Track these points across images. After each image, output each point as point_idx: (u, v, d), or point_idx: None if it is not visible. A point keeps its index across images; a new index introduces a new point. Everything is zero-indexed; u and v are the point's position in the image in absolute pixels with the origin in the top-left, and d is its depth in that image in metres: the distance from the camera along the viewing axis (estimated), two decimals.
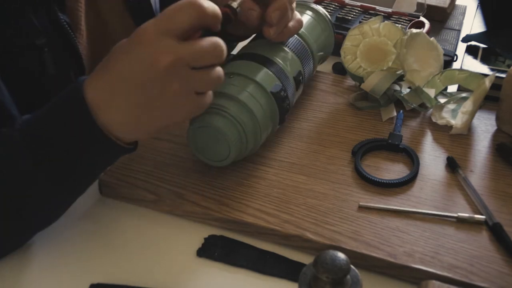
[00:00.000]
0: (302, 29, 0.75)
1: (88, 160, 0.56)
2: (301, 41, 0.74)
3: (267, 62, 0.67)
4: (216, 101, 0.62)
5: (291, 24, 0.69)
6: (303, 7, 0.80)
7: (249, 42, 0.74)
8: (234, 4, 0.62)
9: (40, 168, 0.54)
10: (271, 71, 0.67)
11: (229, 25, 0.62)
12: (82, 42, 0.71)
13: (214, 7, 0.54)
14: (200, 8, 0.53)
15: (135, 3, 0.80)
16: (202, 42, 0.53)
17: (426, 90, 0.76)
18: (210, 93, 0.57)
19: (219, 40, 0.54)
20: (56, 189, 0.56)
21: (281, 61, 0.69)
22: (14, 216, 0.56)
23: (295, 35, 0.73)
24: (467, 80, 0.78)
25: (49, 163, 0.54)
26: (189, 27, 0.52)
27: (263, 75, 0.66)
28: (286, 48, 0.71)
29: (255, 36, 0.75)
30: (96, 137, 0.54)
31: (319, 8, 0.81)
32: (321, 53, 0.80)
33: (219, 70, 0.55)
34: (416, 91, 0.77)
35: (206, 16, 0.53)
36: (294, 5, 0.69)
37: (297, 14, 0.71)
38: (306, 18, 0.79)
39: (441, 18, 1.03)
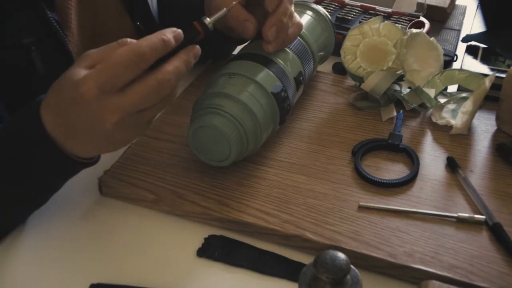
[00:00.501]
0: (303, 30, 0.75)
1: (43, 173, 0.57)
2: (302, 41, 0.74)
3: (267, 62, 0.67)
4: (216, 101, 0.62)
5: (290, 30, 0.69)
6: (303, 7, 0.80)
7: (249, 42, 0.74)
8: (207, 20, 0.59)
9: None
10: (271, 71, 0.67)
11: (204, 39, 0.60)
12: (73, 40, 0.71)
13: (155, 46, 0.52)
14: (141, 58, 0.51)
15: (132, 2, 0.80)
16: (145, 85, 0.52)
17: (426, 90, 0.76)
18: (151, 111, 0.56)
19: (165, 74, 0.52)
20: (10, 197, 0.58)
21: (281, 62, 0.69)
22: None
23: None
24: (467, 80, 0.78)
25: (8, 177, 0.57)
26: (130, 79, 0.51)
27: (264, 75, 0.66)
28: (286, 49, 0.71)
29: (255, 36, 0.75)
30: (58, 158, 0.55)
31: (320, 8, 0.81)
32: (322, 53, 0.80)
33: (170, 95, 0.55)
34: (416, 91, 0.77)
35: (148, 62, 0.52)
36: (292, 9, 0.69)
37: (296, 17, 0.71)
38: (306, 18, 0.79)
39: (441, 18, 1.03)
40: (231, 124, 0.62)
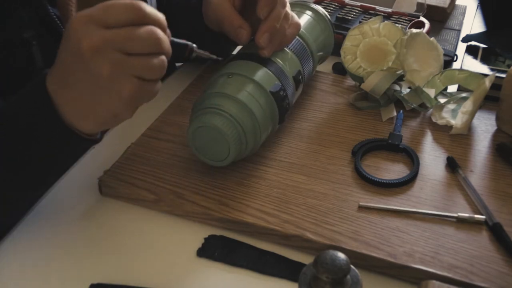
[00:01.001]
0: (301, 29, 0.75)
1: (48, 147, 0.56)
2: (301, 41, 0.74)
3: (266, 62, 0.68)
4: (215, 101, 0.62)
5: (288, 31, 0.69)
6: (302, 7, 0.81)
7: (249, 42, 0.74)
8: (195, 46, 0.60)
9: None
10: (270, 70, 0.67)
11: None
12: None
13: (156, 13, 0.53)
14: (138, 9, 0.51)
15: None
16: (133, 28, 0.51)
17: (426, 90, 0.76)
18: (159, 82, 0.55)
19: (154, 29, 0.52)
20: (17, 175, 0.57)
21: (280, 61, 0.69)
22: None
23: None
24: (467, 80, 0.78)
25: (10, 155, 0.55)
26: (122, 22, 0.51)
27: (262, 74, 0.66)
28: (285, 48, 0.71)
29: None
30: (54, 122, 0.54)
31: (319, 8, 0.81)
32: (321, 53, 0.80)
33: (159, 59, 0.53)
34: (416, 91, 0.77)
35: (144, 17, 0.51)
36: (288, 10, 0.69)
37: (294, 17, 0.71)
38: (305, 18, 0.79)
39: (441, 18, 1.03)
40: (230, 123, 0.62)
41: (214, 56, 0.64)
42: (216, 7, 0.69)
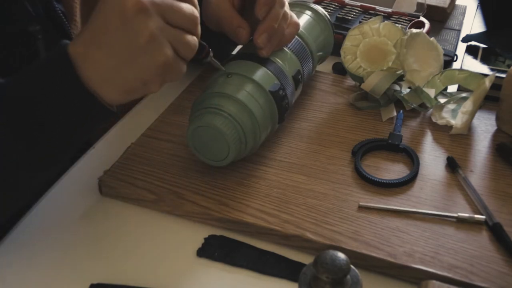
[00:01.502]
0: (301, 29, 0.75)
1: (67, 115, 0.53)
2: (300, 40, 0.74)
3: (265, 62, 0.68)
4: (215, 101, 0.62)
5: (287, 31, 0.69)
6: (302, 7, 0.81)
7: (248, 42, 0.74)
8: (211, 52, 0.62)
9: (14, 124, 0.52)
10: (269, 70, 0.67)
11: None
12: (77, 33, 0.71)
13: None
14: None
15: None
16: (178, 2, 0.53)
17: (426, 90, 0.76)
18: (187, 63, 0.56)
19: (194, 9, 0.54)
20: (31, 150, 0.53)
21: (279, 60, 0.69)
22: None
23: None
24: (467, 80, 0.78)
25: (25, 119, 0.52)
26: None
27: (262, 74, 0.66)
28: (284, 48, 0.71)
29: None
30: (76, 88, 0.52)
31: (319, 8, 0.81)
32: (321, 53, 0.80)
33: (194, 39, 0.54)
34: (416, 91, 0.77)
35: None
36: (286, 10, 0.69)
37: (293, 16, 0.71)
38: (305, 18, 0.79)
39: (441, 18, 1.03)
40: (229, 123, 0.62)
41: (223, 68, 0.65)
42: (215, 7, 0.69)
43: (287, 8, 0.69)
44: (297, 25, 0.71)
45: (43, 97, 0.52)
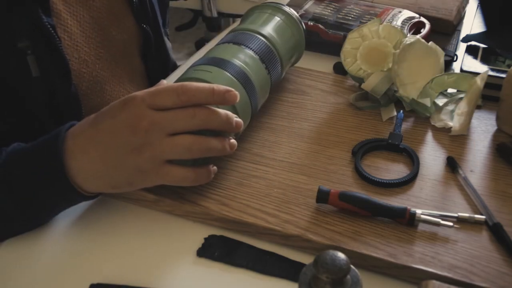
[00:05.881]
0: (270, 32, 0.74)
1: (48, 200, 0.60)
2: (269, 45, 0.73)
3: (229, 67, 0.66)
4: None
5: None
6: (274, 10, 0.78)
7: (214, 46, 0.73)
8: None
9: (8, 193, 0.58)
10: (233, 76, 0.66)
11: None
12: (71, 44, 0.71)
13: (203, 90, 0.58)
14: (185, 92, 0.57)
15: (138, 6, 0.80)
16: (179, 110, 0.57)
17: (421, 100, 0.75)
18: (187, 170, 0.59)
19: (199, 109, 0.57)
20: (20, 217, 0.60)
21: (244, 66, 0.68)
22: None
23: (261, 38, 0.73)
24: (458, 82, 0.77)
25: (17, 193, 0.59)
26: (171, 104, 0.57)
27: (224, 80, 0.65)
28: (250, 52, 0.70)
29: (220, 41, 0.74)
30: (61, 179, 0.57)
31: (292, 11, 0.79)
32: (292, 58, 0.79)
33: (197, 137, 0.58)
34: (412, 104, 0.76)
35: (192, 96, 0.57)
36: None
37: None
38: (275, 21, 0.77)
39: (447, 31, 0.98)
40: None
41: None
42: None
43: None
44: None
45: (32, 178, 0.58)
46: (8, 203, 0.59)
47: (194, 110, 0.57)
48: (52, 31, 0.66)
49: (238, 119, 0.61)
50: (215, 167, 0.62)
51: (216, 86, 0.58)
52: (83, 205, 0.65)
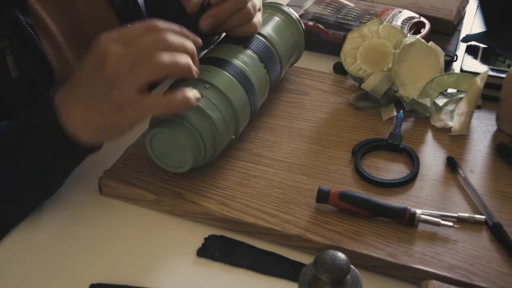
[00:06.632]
0: (270, 32, 0.74)
1: (55, 160, 0.60)
2: (268, 44, 0.73)
3: (228, 67, 0.66)
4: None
5: (242, 28, 0.71)
6: (274, 10, 0.78)
7: (213, 46, 0.73)
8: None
9: (12, 166, 0.59)
10: (232, 76, 0.66)
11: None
12: (52, 45, 0.71)
13: (171, 26, 0.58)
14: (153, 26, 0.57)
15: (122, 4, 0.80)
16: (142, 39, 0.57)
17: (421, 100, 0.75)
18: (156, 96, 0.59)
19: (159, 36, 0.57)
20: (27, 186, 0.61)
21: (243, 66, 0.68)
22: None
23: (260, 38, 0.73)
24: (457, 82, 0.77)
25: (20, 163, 0.59)
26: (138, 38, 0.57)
27: (224, 80, 0.65)
28: (249, 52, 0.70)
29: (219, 41, 0.74)
30: (59, 137, 0.58)
31: (291, 11, 0.79)
32: (292, 57, 0.79)
33: (156, 58, 0.56)
34: (412, 104, 0.76)
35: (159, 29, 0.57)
36: (250, 9, 0.70)
37: (255, 19, 0.71)
38: (275, 21, 0.77)
39: (447, 31, 0.98)
40: (188, 131, 0.61)
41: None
42: None
43: (252, 8, 0.70)
44: (255, 28, 0.71)
45: (32, 140, 0.59)
46: (10, 174, 0.59)
47: (156, 36, 0.57)
48: (31, 31, 0.66)
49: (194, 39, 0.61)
50: (197, 94, 0.60)
51: (183, 29, 0.60)
52: (83, 205, 0.65)
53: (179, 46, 0.58)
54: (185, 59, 0.58)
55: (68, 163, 0.63)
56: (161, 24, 0.58)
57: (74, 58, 0.74)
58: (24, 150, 0.59)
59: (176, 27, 0.59)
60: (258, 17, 0.72)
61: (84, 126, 0.58)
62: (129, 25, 0.58)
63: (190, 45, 0.59)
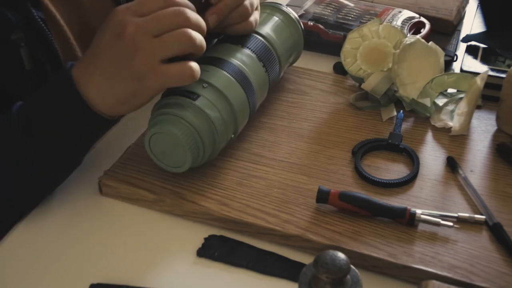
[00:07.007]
0: (269, 32, 0.74)
1: (75, 131, 0.61)
2: (267, 44, 0.73)
3: (227, 67, 0.66)
4: (174, 107, 0.62)
5: (240, 25, 0.71)
6: (273, 10, 0.78)
7: (211, 46, 0.73)
8: None
9: (33, 141, 0.60)
10: (231, 75, 0.66)
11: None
12: (61, 41, 0.71)
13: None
14: (177, 6, 0.59)
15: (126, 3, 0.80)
16: (162, 11, 0.58)
17: (421, 100, 0.75)
18: (180, 65, 0.60)
19: (179, 7, 0.59)
20: (49, 160, 0.61)
21: (242, 65, 0.68)
22: (14, 188, 0.62)
23: (259, 37, 0.73)
24: (457, 82, 0.77)
25: (41, 136, 0.60)
26: (156, 10, 0.58)
27: (223, 80, 0.65)
28: (248, 51, 0.70)
29: (217, 41, 0.74)
30: (79, 108, 0.59)
31: (290, 11, 0.79)
32: (291, 58, 0.79)
33: (182, 30, 0.58)
34: (412, 104, 0.76)
35: (175, 3, 0.59)
36: (247, 6, 0.70)
37: (252, 16, 0.72)
38: (274, 21, 0.77)
39: (447, 31, 0.98)
40: (187, 130, 0.61)
41: None
42: None
43: (250, 5, 0.70)
44: (251, 26, 0.72)
45: (51, 112, 0.60)
46: (33, 149, 0.60)
47: (176, 9, 0.59)
48: (43, 25, 0.66)
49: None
50: (196, 67, 0.61)
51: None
52: (83, 205, 0.65)
53: (196, 23, 0.60)
54: (200, 36, 0.60)
55: (88, 134, 0.64)
56: None
57: (82, 54, 0.74)
58: (44, 124, 0.60)
59: (189, 2, 0.60)
60: (255, 16, 0.73)
61: (105, 96, 0.60)
62: None
63: (203, 23, 0.61)
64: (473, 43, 0.89)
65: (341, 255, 0.45)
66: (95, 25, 0.76)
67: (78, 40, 0.74)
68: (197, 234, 0.61)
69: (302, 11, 0.96)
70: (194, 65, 0.60)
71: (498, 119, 0.75)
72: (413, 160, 0.68)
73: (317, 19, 0.95)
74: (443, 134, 0.74)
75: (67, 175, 0.65)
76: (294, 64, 0.84)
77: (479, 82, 0.73)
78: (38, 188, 0.64)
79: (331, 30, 0.92)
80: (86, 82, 0.59)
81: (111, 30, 0.58)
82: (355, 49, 0.81)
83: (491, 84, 0.77)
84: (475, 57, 0.86)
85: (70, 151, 0.63)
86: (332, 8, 1.01)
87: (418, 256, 0.57)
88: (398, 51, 0.76)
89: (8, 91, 0.66)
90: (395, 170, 0.68)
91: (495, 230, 0.59)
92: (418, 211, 0.60)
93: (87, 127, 0.62)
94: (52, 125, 0.60)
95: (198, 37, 0.60)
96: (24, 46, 0.65)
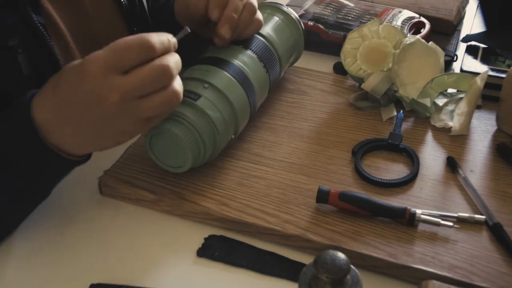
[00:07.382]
0: (269, 32, 0.74)
1: (41, 177, 0.59)
2: (267, 44, 0.73)
3: (228, 67, 0.66)
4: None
5: (249, 28, 0.70)
6: (273, 10, 0.79)
7: (212, 46, 0.73)
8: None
9: None
10: (232, 76, 0.66)
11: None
12: (62, 45, 0.71)
13: (164, 41, 0.55)
14: (149, 48, 0.54)
15: (128, 8, 0.80)
16: (147, 68, 0.53)
17: (421, 100, 0.75)
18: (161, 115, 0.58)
19: (165, 63, 0.54)
20: (12, 203, 0.60)
21: (243, 66, 0.68)
22: None
23: (259, 37, 0.73)
24: (457, 82, 0.77)
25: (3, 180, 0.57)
26: (136, 64, 0.54)
27: (223, 80, 0.65)
28: (249, 51, 0.70)
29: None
30: (47, 155, 0.56)
31: (290, 11, 0.79)
32: (291, 57, 0.79)
33: (171, 90, 0.55)
34: (412, 104, 0.76)
35: (156, 53, 0.54)
36: (252, 3, 0.70)
37: (258, 14, 0.71)
38: (274, 21, 0.77)
39: (447, 31, 0.98)
40: (188, 130, 0.61)
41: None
42: (195, 2, 0.71)
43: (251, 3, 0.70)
44: (260, 23, 0.71)
45: (13, 161, 0.57)
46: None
47: (162, 66, 0.54)
48: (43, 30, 0.66)
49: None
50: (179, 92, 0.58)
51: (167, 35, 0.56)
52: (83, 205, 0.65)
53: (177, 69, 0.56)
54: (180, 86, 0.57)
55: (56, 176, 0.62)
56: (154, 39, 0.54)
57: (82, 58, 0.74)
58: (6, 168, 0.57)
59: (164, 37, 0.55)
60: (259, 14, 0.72)
61: (77, 146, 0.58)
62: (120, 40, 0.54)
63: (179, 59, 0.57)
64: (473, 43, 0.89)
65: (341, 255, 0.45)
66: (95, 29, 0.76)
67: (78, 44, 0.73)
68: (197, 234, 0.61)
69: (302, 11, 0.96)
70: (176, 96, 0.57)
71: (498, 119, 0.75)
72: (413, 160, 0.68)
73: (317, 19, 0.95)
74: (443, 134, 0.74)
75: (30, 212, 0.63)
76: (294, 64, 0.84)
77: (479, 82, 0.73)
78: (3, 223, 0.61)
79: (331, 30, 0.93)
80: (59, 132, 0.56)
81: (90, 90, 0.53)
82: (355, 49, 0.81)
83: (491, 84, 0.77)
84: (475, 57, 0.86)
85: (35, 191, 0.61)
86: (332, 8, 1.01)
87: (418, 256, 0.57)
88: (398, 51, 0.76)
89: (6, 96, 0.66)
90: (395, 170, 0.68)
91: (495, 230, 0.59)
92: (418, 211, 0.60)
93: (54, 170, 0.60)
94: (17, 169, 0.57)
95: (180, 89, 0.57)
96: (21, 52, 0.64)
